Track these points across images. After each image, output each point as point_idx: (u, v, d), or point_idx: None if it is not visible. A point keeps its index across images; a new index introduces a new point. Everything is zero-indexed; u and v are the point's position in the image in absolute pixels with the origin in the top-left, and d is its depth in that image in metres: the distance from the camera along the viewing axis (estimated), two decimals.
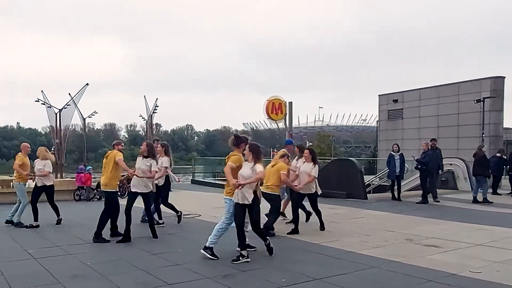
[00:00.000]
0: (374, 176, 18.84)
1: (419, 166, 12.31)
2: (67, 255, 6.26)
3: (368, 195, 13.92)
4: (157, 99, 38.04)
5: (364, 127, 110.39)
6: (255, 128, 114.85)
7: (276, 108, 14.02)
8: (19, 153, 9.28)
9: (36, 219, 8.68)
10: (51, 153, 10.23)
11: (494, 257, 5.92)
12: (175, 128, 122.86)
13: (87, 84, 33.93)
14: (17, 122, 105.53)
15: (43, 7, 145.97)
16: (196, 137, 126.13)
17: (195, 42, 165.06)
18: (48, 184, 8.82)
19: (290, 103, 14.26)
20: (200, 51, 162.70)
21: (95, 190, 14.63)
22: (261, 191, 6.33)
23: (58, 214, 9.02)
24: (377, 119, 23.59)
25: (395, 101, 21.78)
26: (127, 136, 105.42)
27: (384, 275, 5.18)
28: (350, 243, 6.91)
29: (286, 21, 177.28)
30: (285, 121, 14.41)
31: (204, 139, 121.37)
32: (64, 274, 5.20)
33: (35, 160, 9.11)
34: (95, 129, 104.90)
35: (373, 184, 17.46)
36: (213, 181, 19.79)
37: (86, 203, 13.76)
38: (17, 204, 9.06)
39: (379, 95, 22.94)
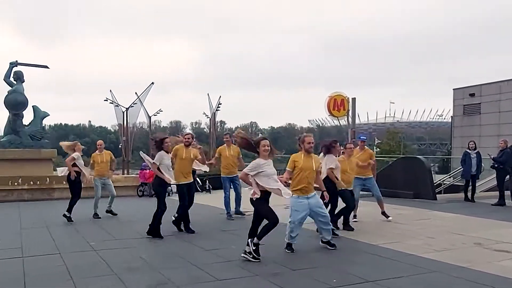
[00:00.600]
0: (447, 175, 17.95)
1: (496, 165, 11.56)
2: (124, 248, 6.65)
3: (438, 195, 13.33)
4: (220, 96, 38.87)
5: (439, 123, 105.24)
6: (321, 125, 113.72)
7: (338, 105, 13.79)
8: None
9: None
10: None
11: None
12: (239, 125, 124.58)
13: (153, 83, 35.51)
14: (89, 121, 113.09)
15: (111, 7, 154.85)
16: (260, 134, 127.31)
17: (260, 39, 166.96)
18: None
19: (353, 99, 13.96)
20: (265, 47, 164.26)
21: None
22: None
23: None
24: (452, 115, 22.41)
25: (472, 95, 20.53)
26: (192, 132, 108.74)
27: (444, 280, 4.96)
28: (412, 246, 6.68)
29: (353, 13, 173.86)
30: (347, 117, 14.14)
31: (268, 136, 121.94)
32: (119, 266, 5.54)
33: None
34: (161, 126, 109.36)
35: (444, 183, 16.66)
36: None
37: (149, 199, 14.45)
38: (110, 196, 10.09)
39: (453, 89, 21.77)
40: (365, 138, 9.66)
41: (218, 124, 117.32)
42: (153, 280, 4.95)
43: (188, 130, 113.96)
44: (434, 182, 17.15)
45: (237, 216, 9.43)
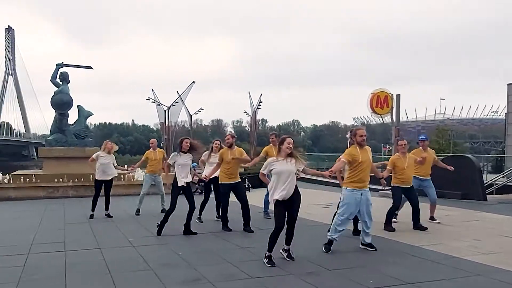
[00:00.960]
0: (499, 174, 17.19)
1: None
2: (162, 245, 6.85)
3: (489, 196, 12.82)
4: (261, 95, 39.12)
5: (494, 120, 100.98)
6: (366, 123, 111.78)
7: (381, 102, 13.52)
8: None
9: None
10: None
11: None
12: (281, 124, 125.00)
13: (194, 82, 36.23)
14: (132, 119, 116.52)
15: (154, 6, 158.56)
16: (302, 133, 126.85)
17: (303, 36, 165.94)
18: (108, 178, 9.84)
19: (398, 96, 13.63)
20: (308, 44, 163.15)
21: (197, 185, 15.61)
22: None
23: (107, 208, 9.92)
24: (506, 111, 21.42)
25: None
26: (233, 131, 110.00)
27: (487, 283, 4.80)
28: (456, 248, 6.48)
29: (401, 7, 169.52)
30: (391, 115, 13.82)
31: (311, 135, 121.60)
32: (156, 262, 5.73)
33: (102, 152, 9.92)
34: (203, 125, 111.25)
35: (496, 184, 15.96)
36: (316, 178, 19.79)
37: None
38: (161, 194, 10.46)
39: (508, 84, 20.80)
40: (424, 137, 9.04)
41: (260, 122, 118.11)
42: (188, 276, 5.08)
43: (229, 128, 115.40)
44: (485, 182, 16.52)
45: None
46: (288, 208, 5.68)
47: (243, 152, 8.31)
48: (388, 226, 7.79)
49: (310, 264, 5.61)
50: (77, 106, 18.13)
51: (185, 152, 7.65)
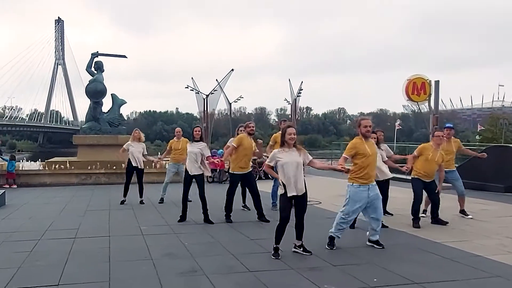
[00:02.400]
0: None
1: None
2: (172, 234, 6.85)
3: None
4: (302, 82, 38.61)
5: None
6: (416, 111, 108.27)
7: (418, 88, 12.86)
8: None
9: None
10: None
11: None
12: (326, 112, 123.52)
13: (232, 69, 36.38)
14: (176, 108, 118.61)
15: None
16: (348, 121, 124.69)
17: (351, 21, 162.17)
18: (138, 166, 10.10)
19: (437, 82, 12.91)
20: (356, 28, 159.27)
21: (227, 173, 15.67)
22: None
23: (141, 195, 10.15)
24: None
25: None
26: (277, 120, 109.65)
27: (503, 285, 4.44)
28: (483, 246, 6.07)
29: None
30: (429, 102, 13.16)
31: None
32: (159, 252, 5.72)
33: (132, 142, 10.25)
34: (246, 113, 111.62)
35: None
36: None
37: (218, 185, 14.80)
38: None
39: None
40: (451, 125, 8.70)
41: (304, 110, 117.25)
42: (185, 268, 5.03)
43: (273, 116, 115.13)
44: None
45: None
46: (295, 199, 5.49)
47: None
48: (415, 222, 7.40)
49: (316, 258, 5.42)
50: (111, 94, 18.57)
51: (197, 141, 7.59)
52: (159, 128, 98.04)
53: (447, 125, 8.78)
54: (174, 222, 7.84)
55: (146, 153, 10.44)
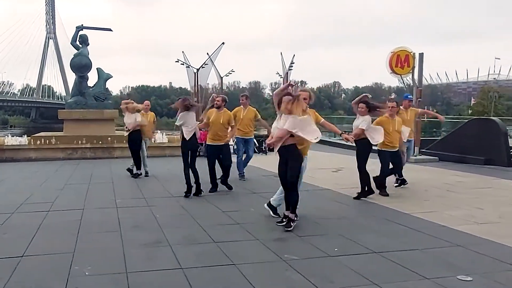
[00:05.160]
0: None
1: None
2: (145, 207, 6.89)
3: None
4: (294, 55, 38.25)
5: None
6: (411, 84, 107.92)
7: (401, 61, 12.79)
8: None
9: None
10: None
11: None
12: (321, 86, 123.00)
13: (223, 43, 35.77)
14: (170, 82, 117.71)
15: None
16: (343, 95, 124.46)
17: None
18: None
19: (421, 55, 12.82)
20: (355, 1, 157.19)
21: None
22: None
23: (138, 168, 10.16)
24: None
25: None
26: (271, 94, 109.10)
27: (461, 254, 4.51)
28: (451, 217, 6.15)
29: None
30: (412, 75, 13.10)
31: (352, 97, 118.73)
32: (128, 224, 5.77)
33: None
34: (240, 87, 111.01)
35: None
36: (336, 141, 19.50)
37: (202, 159, 14.79)
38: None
39: None
40: (411, 97, 9.41)
41: (299, 84, 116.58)
42: (151, 239, 5.08)
43: (267, 91, 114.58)
44: None
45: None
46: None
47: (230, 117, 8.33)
48: (383, 190, 7.55)
49: (283, 230, 5.48)
50: (97, 68, 18.36)
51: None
52: (152, 103, 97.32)
53: (408, 96, 9.38)
54: (150, 195, 7.88)
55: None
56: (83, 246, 4.83)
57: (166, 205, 7.01)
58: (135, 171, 10.16)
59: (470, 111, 41.78)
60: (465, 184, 8.97)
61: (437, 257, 4.45)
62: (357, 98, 7.52)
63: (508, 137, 12.68)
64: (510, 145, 12.07)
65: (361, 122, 7.17)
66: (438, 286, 3.68)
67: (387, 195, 7.49)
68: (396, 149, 7.70)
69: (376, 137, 7.24)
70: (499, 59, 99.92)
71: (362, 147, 7.37)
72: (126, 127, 10.00)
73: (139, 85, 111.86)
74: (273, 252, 4.61)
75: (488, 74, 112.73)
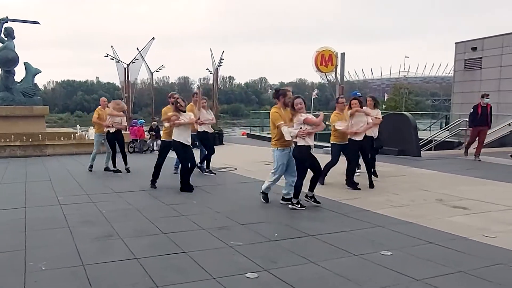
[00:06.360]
0: (440, 130, 17.87)
1: None
2: (89, 203, 6.89)
3: (425, 152, 13.38)
4: (223, 51, 38.25)
5: None
6: (333, 80, 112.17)
7: (325, 60, 13.60)
8: (98, 107, 10.66)
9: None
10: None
11: None
12: (248, 81, 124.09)
13: (153, 38, 34.94)
14: (97, 77, 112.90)
15: None
16: (270, 90, 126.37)
17: None
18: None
19: (342, 54, 13.71)
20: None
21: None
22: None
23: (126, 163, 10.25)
24: (453, 70, 21.90)
25: (474, 49, 19.97)
26: (201, 89, 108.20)
27: (382, 233, 5.11)
28: (372, 202, 6.81)
29: None
30: (335, 73, 13.95)
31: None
32: (76, 220, 5.79)
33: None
34: (170, 82, 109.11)
35: (435, 140, 16.61)
36: (265, 135, 20.12)
37: (139, 155, 14.71)
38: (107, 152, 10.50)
39: (456, 43, 21.15)
40: (359, 94, 9.58)
41: (227, 80, 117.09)
42: (101, 233, 5.17)
43: (196, 86, 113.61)
44: (427, 138, 17.17)
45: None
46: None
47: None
48: (322, 179, 8.09)
49: (226, 219, 5.79)
50: (24, 63, 17.40)
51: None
52: (79, 98, 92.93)
53: (356, 93, 9.73)
54: (92, 191, 7.84)
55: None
56: (33, 243, 4.82)
57: (110, 201, 7.05)
58: (112, 168, 10.27)
59: (384, 106, 44.43)
60: (383, 173, 9.76)
61: (362, 236, 5.01)
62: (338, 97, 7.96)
63: (417, 130, 13.88)
64: (419, 137, 13.26)
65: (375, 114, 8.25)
66: (365, 261, 4.19)
67: (322, 183, 8.06)
68: (346, 142, 8.11)
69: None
70: (408, 57, 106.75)
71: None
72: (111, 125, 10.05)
73: (64, 80, 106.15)
74: (219, 239, 4.91)
75: (399, 71, 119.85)
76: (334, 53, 13.69)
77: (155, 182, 8.15)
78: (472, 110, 12.03)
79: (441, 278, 3.73)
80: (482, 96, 12.00)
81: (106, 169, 10.37)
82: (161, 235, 5.11)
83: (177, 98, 7.95)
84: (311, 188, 6.64)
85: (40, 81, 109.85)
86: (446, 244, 4.69)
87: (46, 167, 11.43)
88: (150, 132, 16.58)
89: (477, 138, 12.06)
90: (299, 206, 6.37)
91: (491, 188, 7.93)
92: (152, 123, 17.71)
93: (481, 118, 11.70)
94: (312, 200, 6.62)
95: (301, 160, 6.32)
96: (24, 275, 3.89)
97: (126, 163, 10.25)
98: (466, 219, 5.79)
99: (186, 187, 7.67)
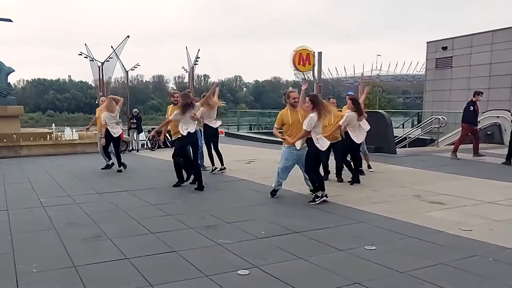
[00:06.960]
0: (413, 128, 18.33)
1: None
2: (73, 204, 6.85)
3: (401, 149, 13.72)
4: (199, 50, 38.21)
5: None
6: (307, 78, 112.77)
7: (303, 59, 13.79)
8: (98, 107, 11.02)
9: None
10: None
11: (496, 216, 5.81)
12: (223, 79, 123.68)
13: (128, 36, 34.59)
14: (69, 75, 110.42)
15: None
16: (245, 88, 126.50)
17: None
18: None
19: (319, 53, 13.94)
20: None
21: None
22: None
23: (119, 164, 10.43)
24: (425, 68, 22.53)
25: (444, 48, 20.59)
26: (175, 88, 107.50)
27: (365, 229, 5.29)
28: (353, 199, 7.00)
29: None
30: (313, 72, 14.17)
31: (253, 91, 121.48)
32: (62, 222, 5.76)
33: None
34: (144, 81, 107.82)
35: (409, 137, 17.05)
36: (244, 134, 20.17)
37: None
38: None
39: (427, 42, 21.76)
40: (352, 93, 9.88)
41: (202, 78, 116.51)
42: (89, 234, 5.18)
43: (171, 85, 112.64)
44: (401, 135, 17.60)
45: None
46: None
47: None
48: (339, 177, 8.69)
49: (213, 218, 5.87)
50: None
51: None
52: (51, 97, 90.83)
53: (349, 92, 10.36)
54: (74, 192, 7.78)
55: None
56: (21, 246, 4.79)
57: (94, 202, 7.03)
58: (109, 162, 10.72)
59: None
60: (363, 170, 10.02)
61: (346, 232, 5.18)
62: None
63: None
64: (394, 134, 13.59)
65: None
66: (351, 255, 4.35)
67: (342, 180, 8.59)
68: (335, 141, 8.36)
69: None
70: (380, 56, 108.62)
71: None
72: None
73: (35, 78, 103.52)
74: (207, 238, 4.99)
75: (372, 69, 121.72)
76: (312, 52, 13.89)
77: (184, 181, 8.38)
78: (470, 107, 11.85)
79: (423, 270, 3.91)
80: (478, 94, 11.97)
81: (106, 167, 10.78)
82: (149, 234, 5.15)
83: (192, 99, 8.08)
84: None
85: (10, 79, 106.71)
86: (426, 237, 4.90)
87: (23, 169, 11.24)
88: (131, 121, 16.53)
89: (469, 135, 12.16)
90: (317, 200, 6.66)
91: (465, 184, 8.25)
92: (133, 110, 17.61)
93: (475, 116, 11.96)
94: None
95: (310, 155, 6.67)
96: (16, 278, 3.88)
97: (120, 165, 10.46)
98: (443, 213, 6.03)
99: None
